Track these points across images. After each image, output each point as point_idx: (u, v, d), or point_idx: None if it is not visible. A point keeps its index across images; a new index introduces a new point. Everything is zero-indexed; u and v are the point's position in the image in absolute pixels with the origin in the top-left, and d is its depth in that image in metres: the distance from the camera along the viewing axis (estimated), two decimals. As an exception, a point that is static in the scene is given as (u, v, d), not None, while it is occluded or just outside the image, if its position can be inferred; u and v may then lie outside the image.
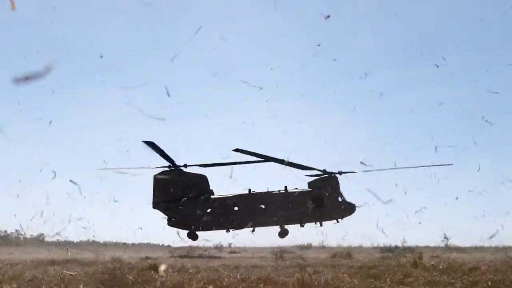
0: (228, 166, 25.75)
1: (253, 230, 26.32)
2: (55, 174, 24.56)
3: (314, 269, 17.14)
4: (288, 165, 25.26)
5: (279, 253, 35.15)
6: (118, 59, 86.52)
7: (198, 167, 26.80)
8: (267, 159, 25.34)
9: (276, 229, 26.80)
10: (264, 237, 27.29)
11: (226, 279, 13.00)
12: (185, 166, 26.76)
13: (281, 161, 25.06)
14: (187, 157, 27.88)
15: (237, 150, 23.95)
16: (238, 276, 13.37)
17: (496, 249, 46.44)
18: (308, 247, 47.63)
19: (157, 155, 25.28)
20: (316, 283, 12.01)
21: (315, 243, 46.14)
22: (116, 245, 47.96)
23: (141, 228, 28.80)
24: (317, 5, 64.94)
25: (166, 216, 27.26)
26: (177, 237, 27.07)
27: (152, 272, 16.14)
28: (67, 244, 50.36)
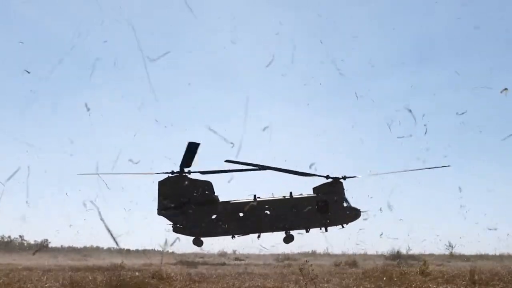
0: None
1: (259, 236, 26.33)
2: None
3: (322, 277, 17.15)
4: (288, 173, 25.31)
5: (285, 260, 35.12)
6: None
7: (199, 173, 26.91)
8: (262, 168, 25.40)
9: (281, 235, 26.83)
10: (268, 243, 27.31)
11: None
12: (189, 172, 26.75)
13: (279, 169, 25.18)
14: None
15: (227, 161, 24.31)
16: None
17: (501, 257, 46.27)
18: (313, 254, 47.49)
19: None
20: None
21: (320, 250, 46.11)
22: (119, 251, 47.86)
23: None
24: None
25: (171, 223, 27.24)
26: (181, 243, 27.07)
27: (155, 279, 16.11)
28: (71, 250, 50.51)
